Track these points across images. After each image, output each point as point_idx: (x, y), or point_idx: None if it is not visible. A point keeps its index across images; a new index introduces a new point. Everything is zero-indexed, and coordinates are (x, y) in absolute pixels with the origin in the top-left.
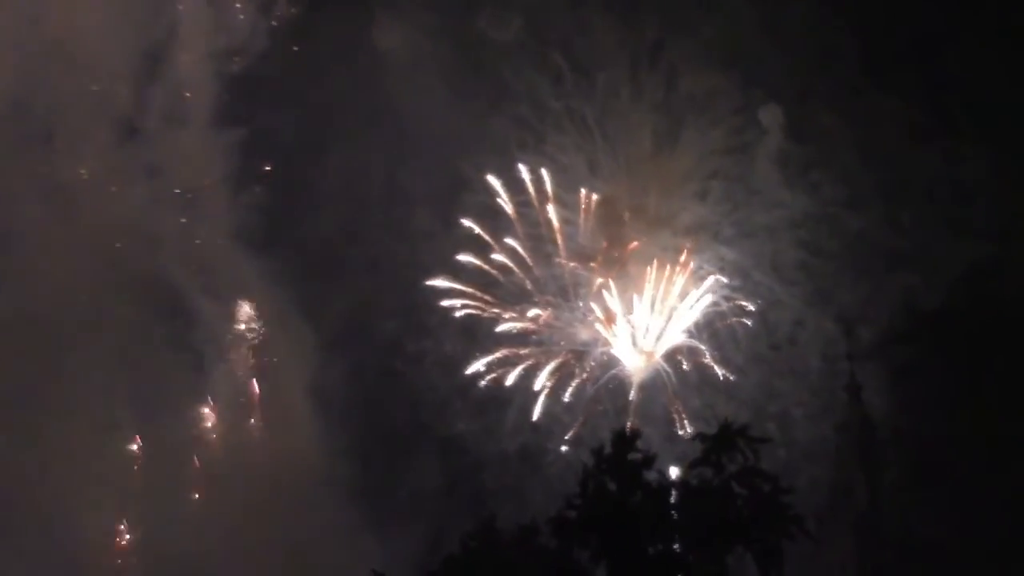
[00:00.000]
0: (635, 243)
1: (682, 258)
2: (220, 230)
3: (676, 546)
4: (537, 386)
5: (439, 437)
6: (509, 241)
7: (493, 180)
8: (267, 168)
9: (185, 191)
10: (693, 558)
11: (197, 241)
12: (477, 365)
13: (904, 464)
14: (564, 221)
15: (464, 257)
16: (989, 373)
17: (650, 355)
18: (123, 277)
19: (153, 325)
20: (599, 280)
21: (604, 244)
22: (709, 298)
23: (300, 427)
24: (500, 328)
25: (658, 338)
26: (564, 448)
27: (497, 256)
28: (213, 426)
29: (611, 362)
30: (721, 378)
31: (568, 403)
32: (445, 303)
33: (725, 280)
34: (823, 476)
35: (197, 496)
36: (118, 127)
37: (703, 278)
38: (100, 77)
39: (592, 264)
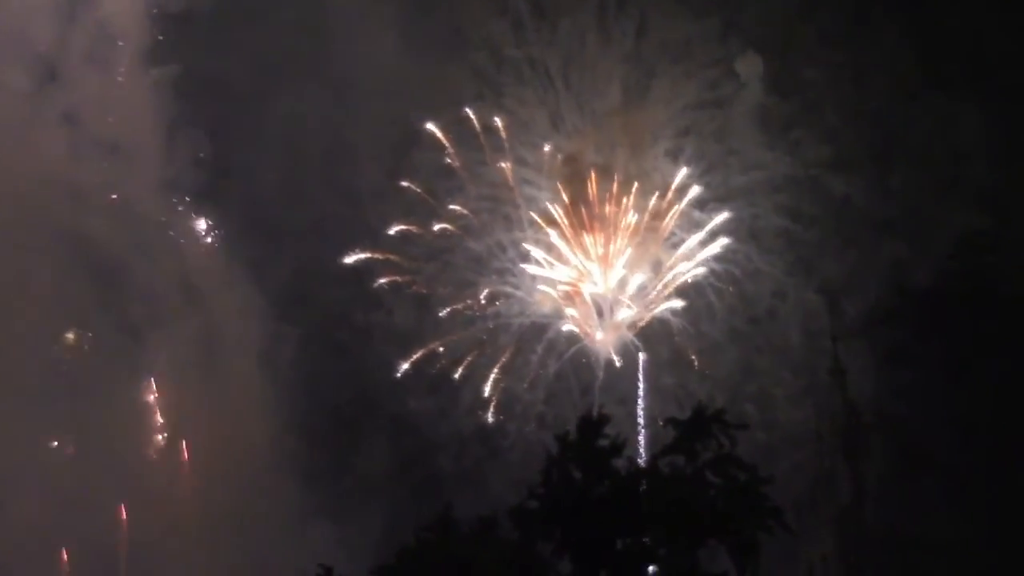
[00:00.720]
0: (602, 206)
1: (663, 220)
2: (150, 183)
3: (645, 539)
4: (487, 391)
5: (390, 416)
6: (462, 204)
7: (446, 136)
8: (201, 117)
9: (110, 140)
10: (663, 552)
11: (124, 195)
12: (427, 349)
13: (890, 454)
14: (524, 181)
15: (404, 227)
16: (984, 357)
17: (618, 328)
18: (43, 234)
19: (78, 286)
20: (562, 246)
21: (568, 206)
22: (719, 246)
23: (242, 402)
24: (450, 308)
25: (628, 309)
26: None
27: (447, 222)
28: (154, 400)
29: (576, 336)
30: (695, 363)
31: (530, 380)
32: (389, 279)
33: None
34: (805, 462)
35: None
36: (35, 69)
37: (676, 245)
38: (15, 12)
39: (555, 229)
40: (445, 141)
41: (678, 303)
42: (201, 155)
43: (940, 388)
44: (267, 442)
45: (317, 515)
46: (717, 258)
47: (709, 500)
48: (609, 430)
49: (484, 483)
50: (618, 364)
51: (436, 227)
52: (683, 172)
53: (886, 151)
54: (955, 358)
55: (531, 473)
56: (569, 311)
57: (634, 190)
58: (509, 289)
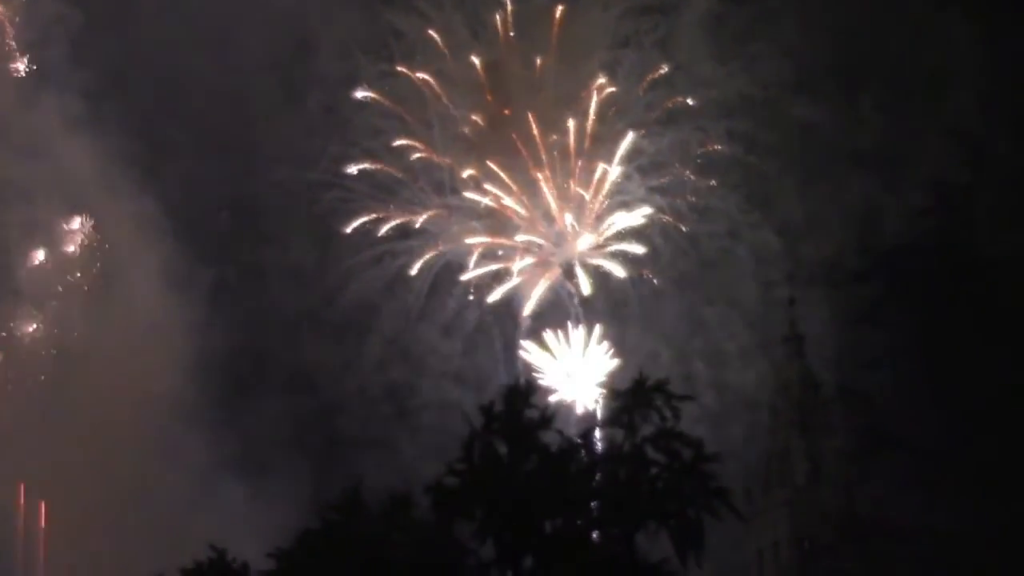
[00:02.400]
0: (527, 126)
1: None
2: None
3: (577, 521)
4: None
5: (286, 369)
6: (368, 122)
7: (349, 42)
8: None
9: None
10: (597, 536)
11: None
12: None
13: (851, 430)
14: (439, 96)
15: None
16: (959, 323)
17: (546, 267)
18: None
19: None
20: (478, 170)
21: (488, 125)
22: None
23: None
24: (354, 242)
25: (556, 247)
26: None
27: (349, 143)
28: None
29: (499, 276)
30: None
31: (445, 327)
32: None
33: None
34: (759, 430)
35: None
36: None
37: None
38: None
39: (472, 152)
40: (349, 47)
41: (614, 242)
42: (63, 43)
43: (908, 357)
44: (162, 390)
45: (226, 470)
46: (661, 190)
47: (649, 479)
48: (537, 400)
49: (394, 447)
50: (547, 312)
51: (336, 148)
52: (617, 93)
53: (857, 71)
54: (926, 324)
55: (446, 436)
56: (492, 244)
57: (562, 108)
58: (422, 221)
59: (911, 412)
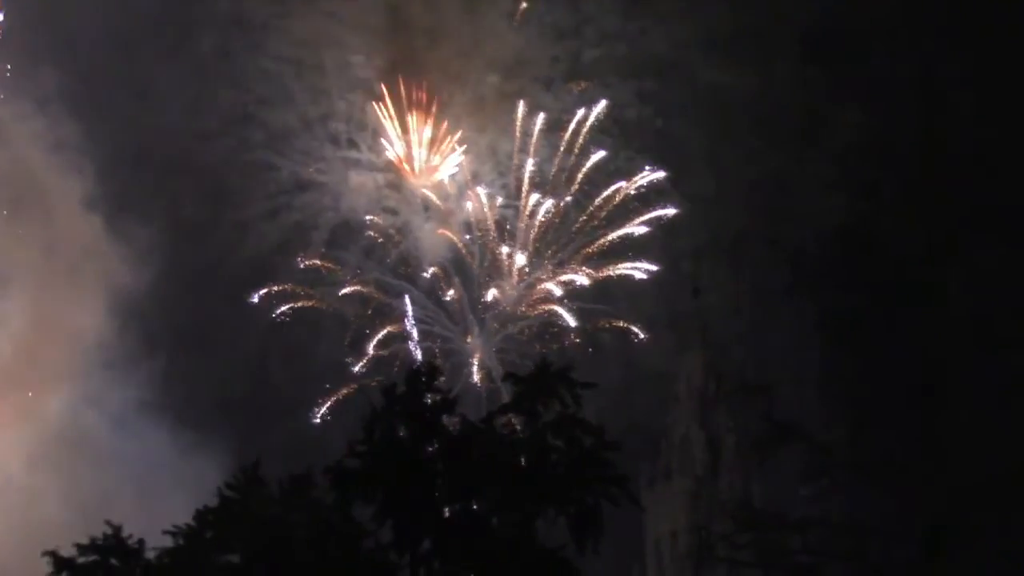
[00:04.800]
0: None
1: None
2: None
3: (476, 506)
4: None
5: (182, 326)
6: (259, 66)
7: None
8: None
9: None
10: (496, 521)
11: None
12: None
13: (749, 422)
14: (337, 41)
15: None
16: (862, 319)
17: (447, 221)
18: None
19: None
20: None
21: (390, 74)
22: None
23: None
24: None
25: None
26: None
27: (240, 88)
28: None
29: (401, 230)
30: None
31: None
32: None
33: None
34: (664, 399)
35: None
36: None
37: (529, 131)
38: None
39: (373, 102)
40: None
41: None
42: None
43: (808, 350)
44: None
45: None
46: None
47: (550, 465)
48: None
49: (291, 411)
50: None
51: (228, 93)
52: (521, 45)
53: (776, 29)
54: (827, 317)
55: (344, 403)
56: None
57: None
58: (318, 176)
59: (809, 405)
